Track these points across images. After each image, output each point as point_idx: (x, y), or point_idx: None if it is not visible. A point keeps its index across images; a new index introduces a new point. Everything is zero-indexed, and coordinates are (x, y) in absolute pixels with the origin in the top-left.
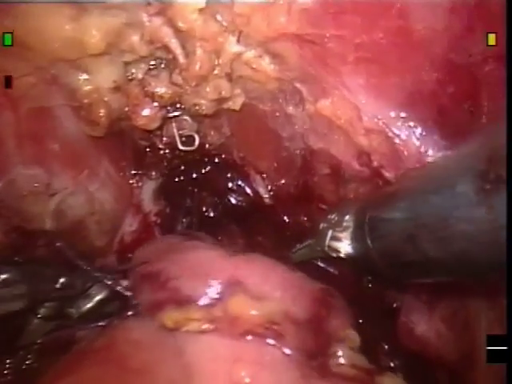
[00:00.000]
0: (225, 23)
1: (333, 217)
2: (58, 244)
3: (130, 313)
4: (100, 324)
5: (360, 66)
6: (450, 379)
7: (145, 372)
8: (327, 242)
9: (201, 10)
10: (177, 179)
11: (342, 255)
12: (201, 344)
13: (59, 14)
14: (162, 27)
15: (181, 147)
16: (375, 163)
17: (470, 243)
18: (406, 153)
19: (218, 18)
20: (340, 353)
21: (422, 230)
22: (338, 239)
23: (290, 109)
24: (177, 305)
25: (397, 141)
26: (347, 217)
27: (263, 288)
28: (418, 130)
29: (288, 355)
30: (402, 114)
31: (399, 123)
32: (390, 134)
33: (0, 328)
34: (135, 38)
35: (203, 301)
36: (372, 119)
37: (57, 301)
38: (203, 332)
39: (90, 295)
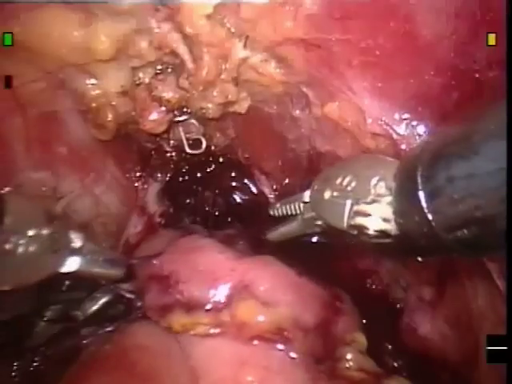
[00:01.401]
0: (232, 29)
1: (346, 182)
2: None
3: (135, 315)
4: (108, 330)
5: (365, 69)
6: (453, 379)
7: (153, 377)
8: (345, 217)
9: (208, 16)
10: (181, 179)
11: (369, 232)
12: (207, 348)
13: (68, 20)
14: (171, 33)
15: (188, 150)
16: None
17: None
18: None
19: (225, 23)
20: (348, 356)
21: None
22: (362, 214)
23: (297, 112)
24: (185, 309)
25: (401, 144)
26: (374, 181)
27: (272, 294)
28: (422, 133)
29: (296, 359)
30: (405, 116)
31: (403, 125)
32: (395, 136)
33: (6, 331)
34: (144, 44)
35: (211, 305)
36: (376, 122)
37: (62, 303)
38: (210, 336)
39: (95, 298)
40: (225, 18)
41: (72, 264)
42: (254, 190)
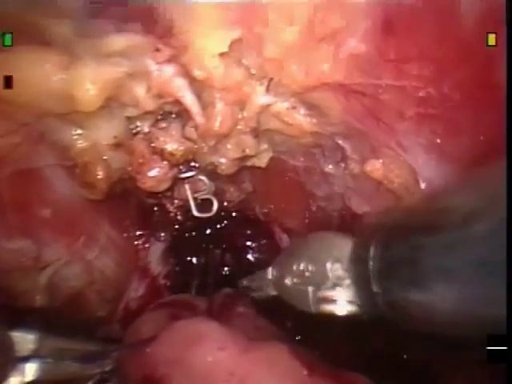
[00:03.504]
0: (252, 70)
1: (302, 267)
2: None
3: None
4: None
5: (421, 123)
6: None
7: None
8: (311, 304)
9: (222, 55)
10: (187, 235)
11: (339, 317)
12: None
13: (47, 63)
14: (174, 78)
15: (196, 214)
16: None
17: None
18: None
19: (243, 63)
20: None
21: None
22: (327, 300)
23: (330, 167)
24: None
25: None
26: (329, 265)
27: None
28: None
29: None
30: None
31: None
32: None
33: None
34: (140, 91)
35: None
36: (432, 184)
37: None
38: None
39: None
40: (243, 57)
41: (28, 373)
42: (273, 248)
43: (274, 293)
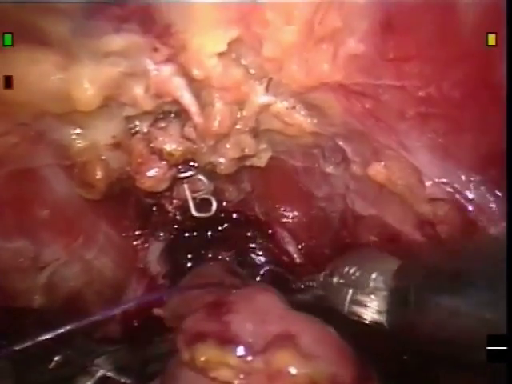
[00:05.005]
0: (251, 69)
1: (352, 271)
2: None
3: None
4: None
5: (423, 122)
6: None
7: None
8: (347, 303)
9: (221, 55)
10: (188, 234)
11: (365, 322)
12: None
13: (45, 62)
14: (172, 77)
15: (195, 213)
16: (443, 235)
17: None
18: (482, 221)
19: (242, 62)
20: None
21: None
22: (361, 303)
23: (330, 168)
24: (220, 340)
25: (473, 210)
26: (374, 275)
27: (315, 347)
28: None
29: None
30: (474, 178)
31: (472, 188)
32: (462, 201)
33: None
34: (138, 91)
35: (247, 346)
36: (437, 184)
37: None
38: None
39: (90, 372)
40: (241, 56)
41: None
42: (275, 249)
43: (320, 293)
